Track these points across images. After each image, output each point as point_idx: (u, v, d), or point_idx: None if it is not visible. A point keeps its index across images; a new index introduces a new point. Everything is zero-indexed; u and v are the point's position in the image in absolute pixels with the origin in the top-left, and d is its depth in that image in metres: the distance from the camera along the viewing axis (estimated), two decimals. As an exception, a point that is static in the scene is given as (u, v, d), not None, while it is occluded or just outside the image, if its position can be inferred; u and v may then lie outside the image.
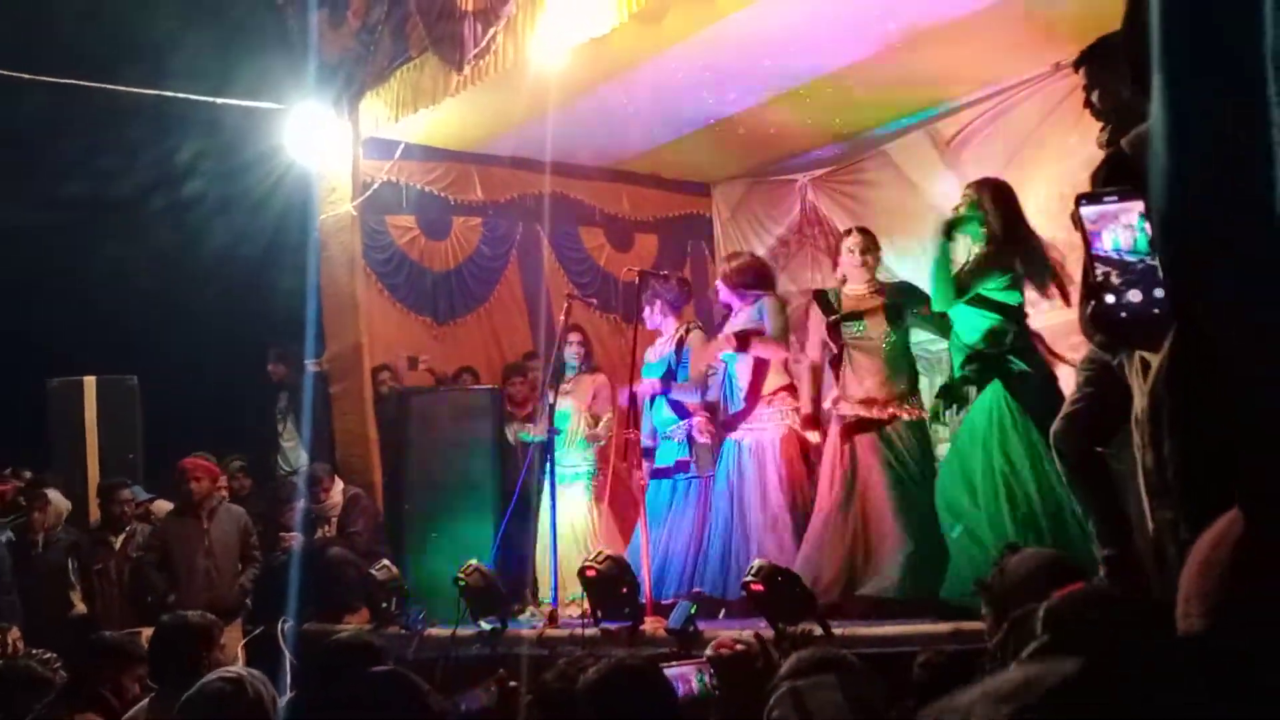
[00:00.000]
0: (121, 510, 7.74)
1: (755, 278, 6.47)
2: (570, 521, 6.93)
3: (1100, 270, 1.63)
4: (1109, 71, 3.82)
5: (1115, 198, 1.67)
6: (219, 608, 6.44)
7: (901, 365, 5.89)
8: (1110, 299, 1.61)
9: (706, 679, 3.00)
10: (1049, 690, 0.44)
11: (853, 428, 5.84)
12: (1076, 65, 4.05)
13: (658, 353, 6.83)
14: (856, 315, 5.92)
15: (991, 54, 7.38)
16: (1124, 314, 1.60)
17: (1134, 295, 1.59)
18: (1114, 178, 1.59)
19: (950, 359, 5.55)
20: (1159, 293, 1.57)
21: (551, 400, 6.81)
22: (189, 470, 7.35)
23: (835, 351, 6.04)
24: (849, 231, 6.25)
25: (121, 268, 9.50)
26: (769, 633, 4.31)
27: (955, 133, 8.26)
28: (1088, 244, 1.65)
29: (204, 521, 7.35)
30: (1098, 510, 4.26)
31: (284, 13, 8.90)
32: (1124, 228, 1.63)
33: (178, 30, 9.09)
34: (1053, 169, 7.53)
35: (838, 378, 6.05)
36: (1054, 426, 4.38)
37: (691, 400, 6.65)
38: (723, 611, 5.99)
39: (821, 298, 6.12)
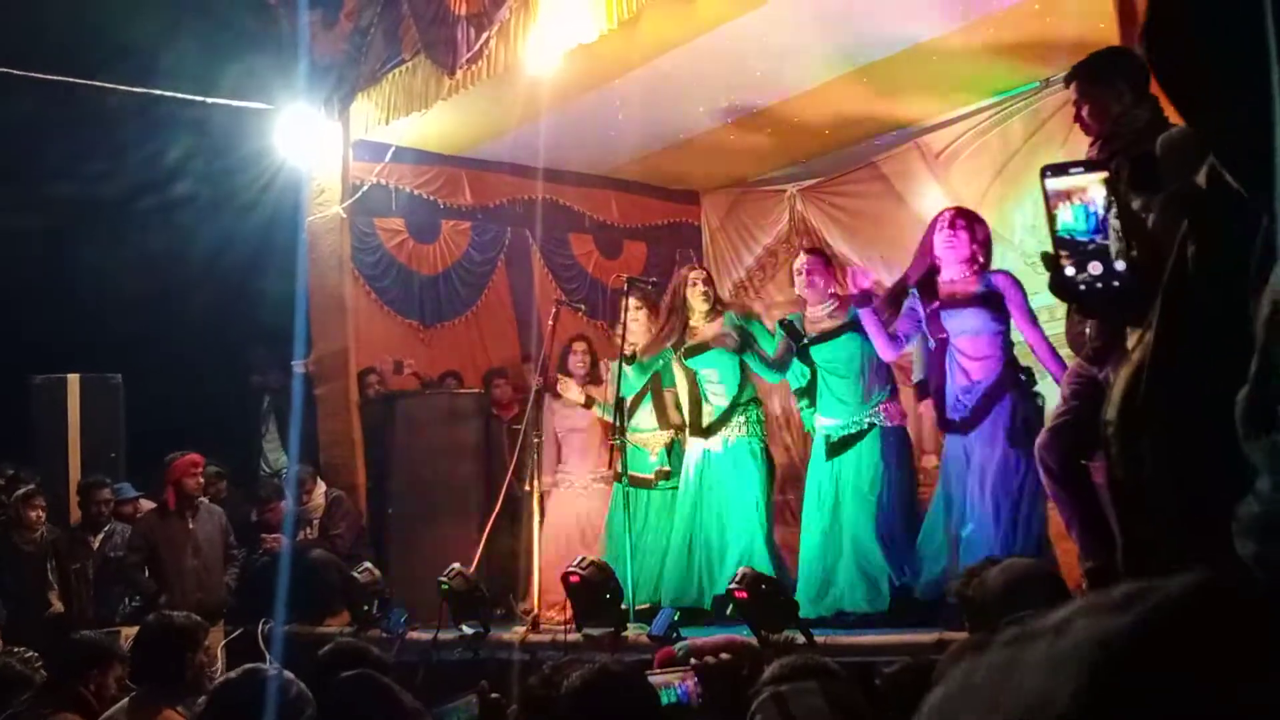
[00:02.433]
0: (99, 510, 7.69)
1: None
2: (580, 528, 6.93)
3: (1061, 241, 1.65)
4: (1100, 86, 3.86)
5: (1080, 169, 1.69)
6: (208, 607, 6.42)
7: (876, 375, 5.88)
8: (1070, 270, 1.63)
9: (690, 686, 2.99)
10: (1169, 596, 0.43)
11: (835, 447, 5.86)
12: (1068, 80, 4.08)
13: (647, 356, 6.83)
14: (824, 338, 5.92)
15: (982, 68, 7.42)
16: (1082, 285, 1.62)
17: (1094, 267, 1.61)
18: (1138, 180, 1.61)
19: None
20: (1119, 266, 1.60)
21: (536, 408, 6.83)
22: (188, 466, 7.30)
23: (811, 373, 6.07)
24: (798, 254, 6.30)
25: (109, 267, 9.46)
26: (752, 640, 4.31)
27: (944, 146, 8.30)
28: (1050, 215, 1.67)
29: (189, 521, 7.30)
30: (1081, 523, 4.28)
31: (276, 13, 8.89)
32: (1086, 200, 1.65)
33: (167, 30, 9.06)
34: (1040, 184, 7.56)
35: (812, 398, 6.07)
36: (1039, 439, 4.41)
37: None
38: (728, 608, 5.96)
39: (788, 326, 6.11)
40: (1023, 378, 5.24)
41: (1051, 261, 1.67)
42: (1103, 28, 5.11)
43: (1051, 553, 4.99)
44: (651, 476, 6.69)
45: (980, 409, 5.19)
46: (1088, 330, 4.12)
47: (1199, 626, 0.41)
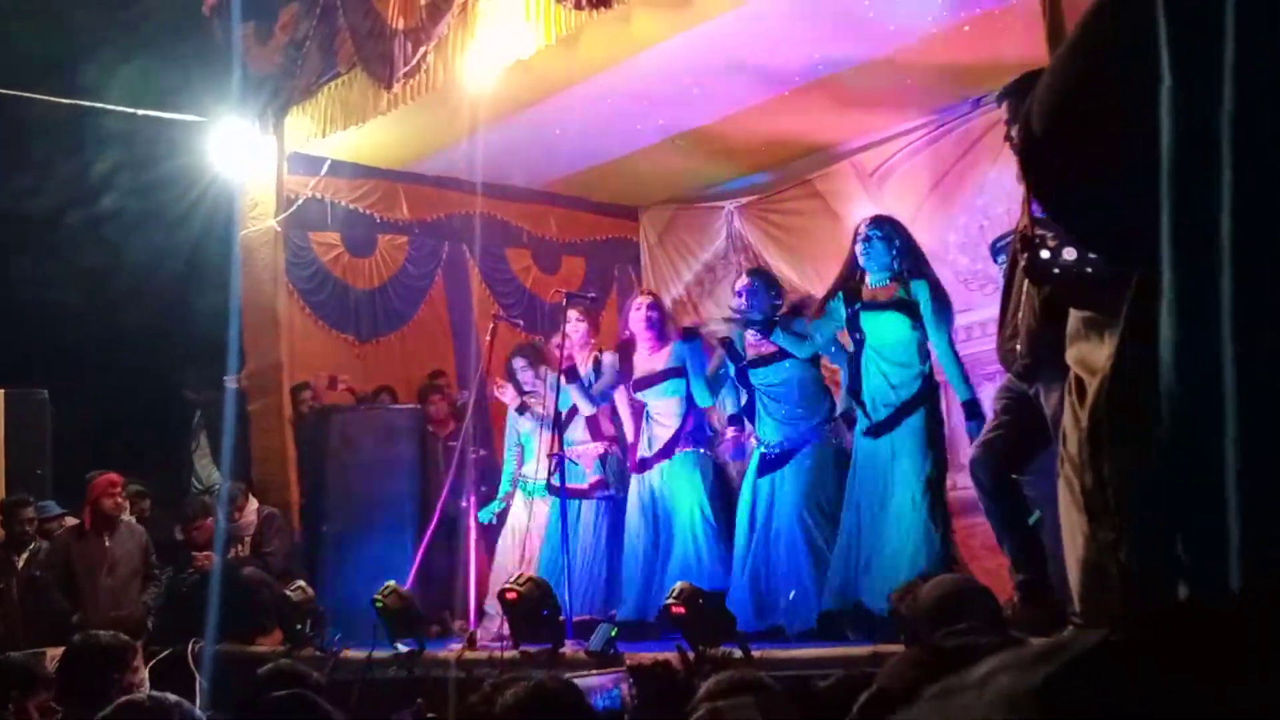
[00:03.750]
0: (23, 529, 7.51)
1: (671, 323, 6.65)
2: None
3: (1039, 228, 1.68)
4: (1028, 106, 3.93)
5: None
6: (125, 627, 6.28)
7: (811, 397, 5.94)
8: (1045, 255, 1.66)
9: (625, 689, 2.99)
10: (1075, 656, 0.46)
11: (768, 464, 5.90)
12: (1000, 99, 4.15)
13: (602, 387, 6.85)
14: (762, 361, 5.98)
15: (914, 88, 7.53)
16: (1057, 269, 1.65)
17: (1069, 254, 1.64)
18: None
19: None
20: (1094, 254, 1.63)
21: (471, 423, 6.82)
22: (106, 486, 7.18)
23: (748, 394, 6.12)
24: (740, 274, 6.37)
25: (37, 281, 9.27)
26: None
27: (878, 165, 8.41)
28: (1029, 202, 1.70)
29: (106, 539, 7.17)
30: (1012, 536, 4.35)
31: (210, 25, 8.79)
32: None
33: (98, 42, 8.92)
34: (971, 202, 7.70)
35: (753, 418, 6.11)
36: (971, 454, 4.47)
37: (589, 410, 6.70)
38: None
39: (729, 346, 6.16)
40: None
41: (1028, 243, 1.70)
42: (1033, 49, 5.20)
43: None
44: (586, 487, 6.71)
45: (894, 417, 5.32)
46: (1018, 347, 4.19)
47: (1099, 685, 0.43)
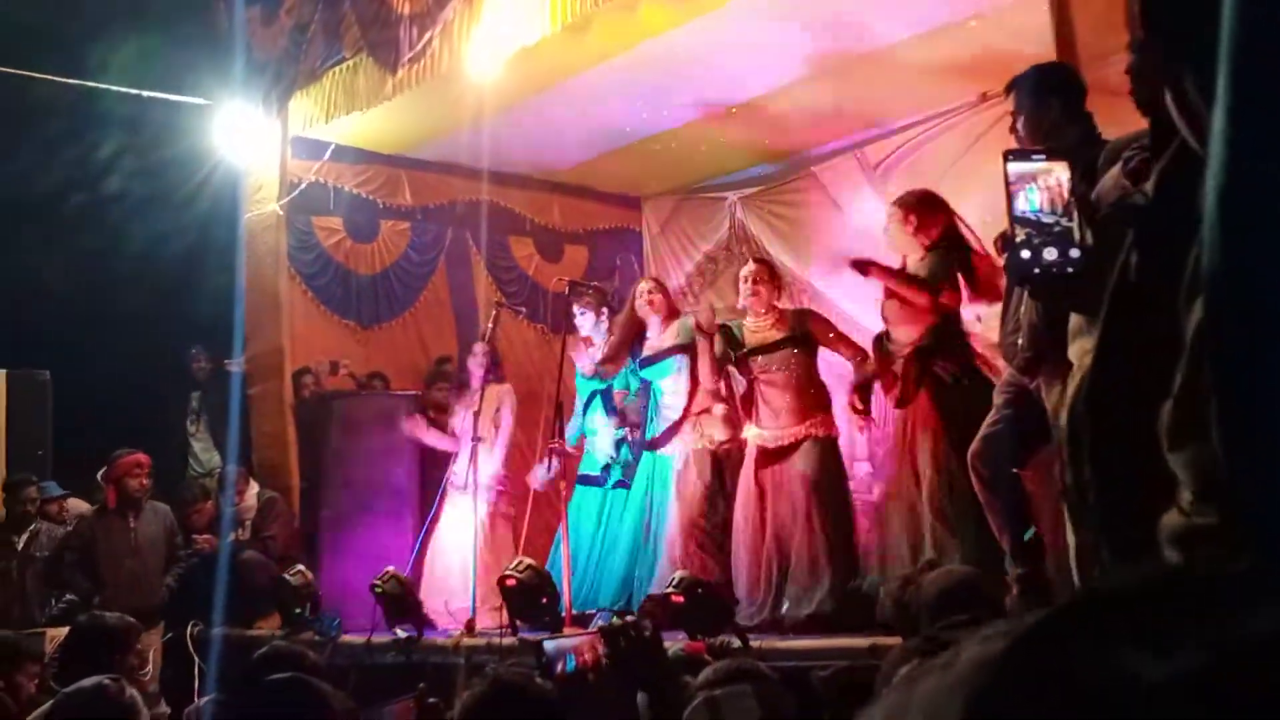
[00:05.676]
0: (25, 508, 7.52)
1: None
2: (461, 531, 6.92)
3: (1018, 226, 1.68)
4: (1034, 99, 3.94)
5: (1042, 157, 1.72)
6: (146, 609, 6.29)
7: (810, 388, 5.93)
8: (1025, 254, 1.66)
9: (596, 650, 3.00)
10: (1035, 623, 0.47)
11: (766, 456, 5.88)
12: (1008, 90, 4.16)
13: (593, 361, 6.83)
14: (762, 349, 5.96)
15: (920, 82, 7.52)
16: (1037, 269, 1.65)
17: (1050, 253, 1.64)
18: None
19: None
20: (1074, 253, 1.63)
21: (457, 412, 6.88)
22: (131, 466, 7.16)
23: (746, 383, 6.11)
24: (747, 261, 6.38)
25: (39, 262, 9.26)
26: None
27: (882, 158, 8.39)
28: (1009, 197, 1.69)
29: (130, 520, 7.15)
30: (1012, 530, 4.36)
31: (214, 8, 8.77)
32: (1045, 188, 1.68)
33: (101, 23, 8.90)
34: (976, 197, 7.67)
35: (749, 408, 6.10)
36: (972, 447, 4.48)
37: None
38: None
39: (726, 332, 6.14)
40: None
41: (1008, 243, 1.70)
42: (1041, 45, 5.20)
43: None
44: (599, 474, 6.68)
45: None
46: (1020, 341, 4.19)
47: (1059, 648, 0.44)
